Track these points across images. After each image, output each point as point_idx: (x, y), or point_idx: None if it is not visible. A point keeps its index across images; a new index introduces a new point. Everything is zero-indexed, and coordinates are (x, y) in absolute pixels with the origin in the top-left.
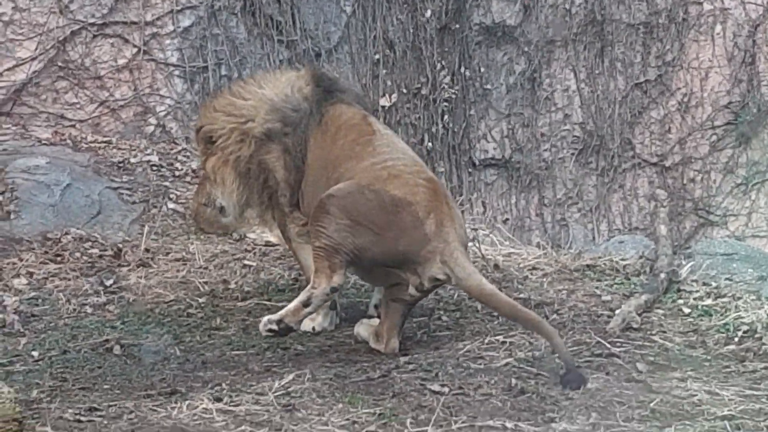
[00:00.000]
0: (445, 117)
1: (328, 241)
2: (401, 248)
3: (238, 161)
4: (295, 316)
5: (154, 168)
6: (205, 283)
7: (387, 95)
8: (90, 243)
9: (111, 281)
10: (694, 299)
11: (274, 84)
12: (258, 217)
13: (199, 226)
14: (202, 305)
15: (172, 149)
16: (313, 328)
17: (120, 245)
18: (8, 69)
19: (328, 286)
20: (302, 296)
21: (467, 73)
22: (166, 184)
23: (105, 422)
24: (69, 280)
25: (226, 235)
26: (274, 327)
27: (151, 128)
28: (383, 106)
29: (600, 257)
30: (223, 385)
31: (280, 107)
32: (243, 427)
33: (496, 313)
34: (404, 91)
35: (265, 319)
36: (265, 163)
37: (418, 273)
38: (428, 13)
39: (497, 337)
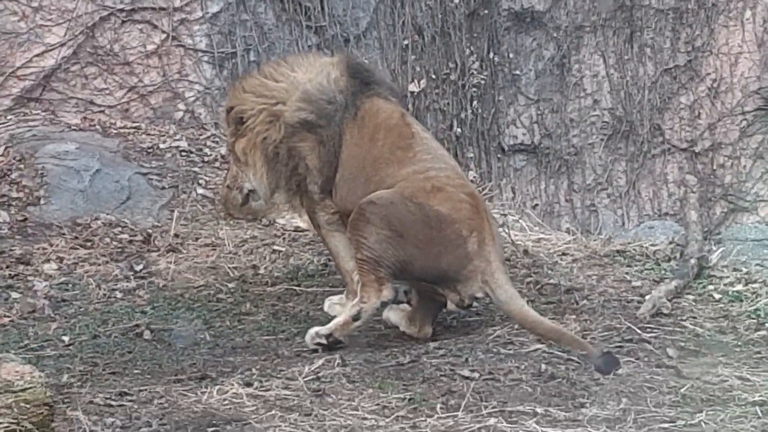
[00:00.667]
0: (474, 103)
1: (370, 253)
2: (443, 265)
3: (266, 143)
4: (345, 330)
5: (183, 153)
6: (235, 268)
7: (416, 81)
8: (119, 228)
9: (141, 266)
10: (725, 285)
11: (306, 68)
12: (286, 202)
13: (227, 211)
14: (232, 290)
15: (201, 135)
16: None
17: (149, 231)
18: (37, 55)
19: (378, 300)
20: (352, 310)
21: (496, 59)
22: (196, 169)
23: (135, 407)
24: (99, 265)
25: (254, 220)
26: (323, 341)
27: (180, 114)
28: (412, 92)
29: (630, 243)
30: (253, 370)
31: (315, 98)
32: (273, 412)
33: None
34: (433, 76)
35: (312, 331)
36: (296, 151)
37: (458, 290)
38: None
39: None
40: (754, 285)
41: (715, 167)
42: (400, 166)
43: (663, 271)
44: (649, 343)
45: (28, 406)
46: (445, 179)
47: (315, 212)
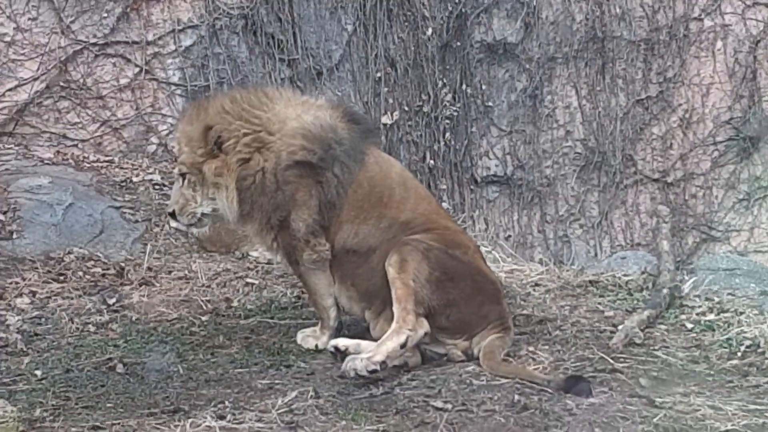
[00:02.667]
0: (447, 134)
1: (419, 289)
2: (483, 312)
3: (245, 169)
4: (394, 356)
5: (157, 187)
6: (208, 301)
7: (389, 113)
8: (93, 262)
9: (114, 300)
10: (697, 314)
11: (286, 103)
12: (257, 234)
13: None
14: (205, 323)
15: (174, 168)
16: (316, 346)
17: (123, 264)
18: (10, 89)
19: (422, 331)
20: (400, 338)
21: (469, 91)
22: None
23: None
24: (72, 299)
25: (228, 252)
26: (377, 368)
27: (153, 147)
28: (385, 124)
29: (602, 273)
30: (227, 402)
31: (322, 138)
32: None
33: None
34: (406, 108)
35: (364, 359)
36: (289, 185)
37: (472, 341)
38: (429, 31)
39: None
40: (726, 314)
41: (687, 197)
42: (439, 216)
43: (635, 301)
44: (622, 372)
45: None
46: (474, 246)
47: (296, 250)
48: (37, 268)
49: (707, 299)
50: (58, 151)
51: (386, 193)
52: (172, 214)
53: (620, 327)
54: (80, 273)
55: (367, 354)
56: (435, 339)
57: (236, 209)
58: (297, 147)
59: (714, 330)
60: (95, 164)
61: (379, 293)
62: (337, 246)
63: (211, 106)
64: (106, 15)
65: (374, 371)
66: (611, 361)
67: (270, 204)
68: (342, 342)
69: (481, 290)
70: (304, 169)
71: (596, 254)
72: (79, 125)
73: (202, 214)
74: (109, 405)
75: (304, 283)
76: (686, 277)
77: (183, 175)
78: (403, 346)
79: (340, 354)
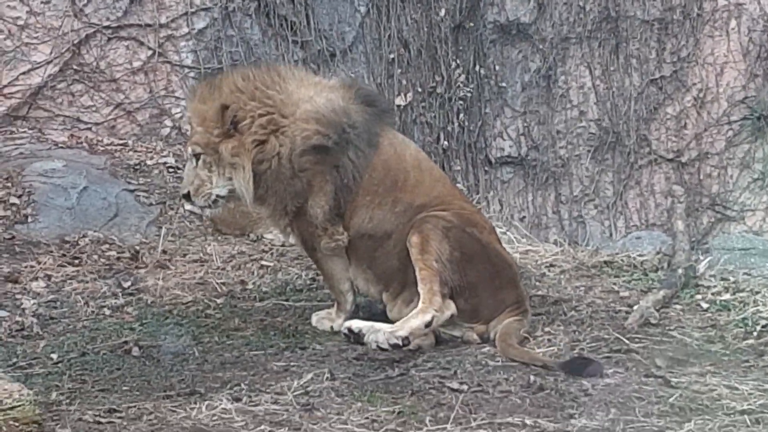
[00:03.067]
0: (461, 115)
1: (441, 268)
2: (499, 297)
3: (261, 153)
4: (418, 333)
5: (171, 170)
6: (223, 284)
7: (402, 94)
8: (107, 245)
9: (129, 283)
10: (712, 294)
11: (298, 83)
12: (269, 217)
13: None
14: (220, 306)
15: (186, 148)
16: (332, 328)
17: (137, 247)
18: (24, 73)
19: (449, 312)
20: (425, 317)
21: (482, 72)
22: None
23: (124, 423)
24: (87, 282)
25: (242, 234)
26: (399, 342)
27: (167, 130)
28: (399, 106)
29: (617, 253)
30: (242, 385)
31: (334, 122)
32: (262, 427)
33: None
34: (419, 90)
35: (387, 332)
36: (306, 172)
37: (489, 325)
38: (442, 12)
39: None
40: (742, 294)
41: (701, 177)
42: (454, 198)
43: (650, 281)
44: (638, 353)
45: (17, 424)
46: (490, 227)
47: (313, 237)
48: (51, 251)
49: (722, 279)
50: (71, 135)
51: (401, 177)
52: (187, 196)
53: (635, 307)
54: (95, 256)
55: (391, 328)
56: (452, 321)
57: (252, 190)
58: (311, 131)
59: (729, 309)
60: (109, 147)
61: (396, 276)
62: (352, 231)
63: (224, 84)
64: None
65: (396, 346)
66: (627, 341)
67: (286, 191)
68: (356, 324)
69: (498, 274)
70: (319, 155)
71: (611, 234)
72: (93, 108)
73: (218, 196)
74: (125, 388)
75: (320, 268)
76: (701, 257)
77: (197, 155)
78: (428, 325)
79: (354, 336)
